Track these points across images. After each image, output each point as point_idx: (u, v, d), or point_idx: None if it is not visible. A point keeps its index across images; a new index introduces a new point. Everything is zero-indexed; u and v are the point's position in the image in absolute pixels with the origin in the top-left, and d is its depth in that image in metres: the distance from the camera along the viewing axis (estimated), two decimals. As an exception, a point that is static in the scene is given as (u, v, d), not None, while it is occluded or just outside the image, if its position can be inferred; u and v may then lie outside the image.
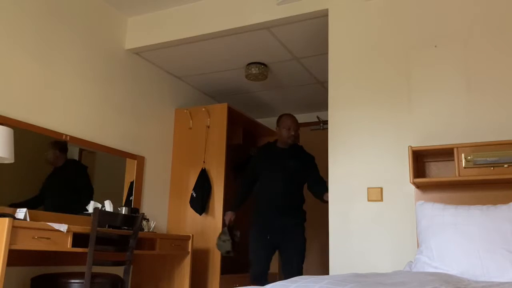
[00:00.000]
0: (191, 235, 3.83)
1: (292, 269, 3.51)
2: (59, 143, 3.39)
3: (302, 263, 3.59)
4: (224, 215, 4.00)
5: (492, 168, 2.48)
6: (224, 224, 3.94)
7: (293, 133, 3.78)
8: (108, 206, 3.35)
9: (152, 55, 4.26)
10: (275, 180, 3.71)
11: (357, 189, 2.98)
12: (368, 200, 2.93)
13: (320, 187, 3.61)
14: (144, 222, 3.67)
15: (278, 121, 3.85)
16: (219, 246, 3.76)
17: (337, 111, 3.16)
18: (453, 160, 2.65)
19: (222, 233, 3.78)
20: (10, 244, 2.34)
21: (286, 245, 3.59)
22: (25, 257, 3.02)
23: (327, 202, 3.29)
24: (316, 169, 3.84)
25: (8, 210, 2.89)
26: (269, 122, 5.65)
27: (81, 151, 3.60)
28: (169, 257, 3.87)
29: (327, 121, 3.33)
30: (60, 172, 3.41)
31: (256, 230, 3.71)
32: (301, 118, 5.87)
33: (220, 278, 4.06)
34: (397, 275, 1.91)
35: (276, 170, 3.73)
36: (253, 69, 4.38)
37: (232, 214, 3.84)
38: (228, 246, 3.70)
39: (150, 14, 4.08)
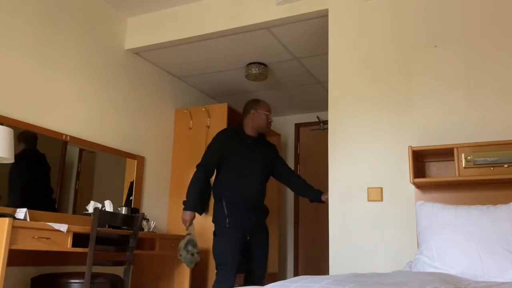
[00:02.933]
0: (191, 235, 3.83)
1: (263, 269, 3.37)
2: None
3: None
4: (183, 215, 3.20)
5: (492, 168, 2.48)
6: (186, 226, 3.24)
7: (271, 120, 3.45)
8: (108, 206, 3.35)
9: (152, 55, 4.27)
10: (252, 174, 3.31)
11: (357, 189, 2.98)
12: (368, 200, 2.93)
13: (312, 190, 3.43)
14: (144, 222, 3.67)
15: (253, 104, 3.43)
16: (185, 260, 3.18)
17: (337, 111, 3.16)
18: (453, 160, 2.65)
19: (189, 243, 3.18)
20: (10, 244, 2.34)
21: (258, 245, 3.35)
22: (25, 257, 3.02)
23: (325, 202, 3.27)
24: (285, 163, 3.58)
25: (8, 210, 2.89)
26: (269, 122, 5.65)
27: (81, 151, 3.60)
28: (169, 257, 3.87)
29: (327, 121, 3.33)
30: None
31: (232, 230, 3.22)
32: (301, 118, 5.89)
33: (220, 278, 4.04)
34: (397, 275, 1.91)
35: (253, 163, 3.34)
36: (253, 69, 4.38)
37: (193, 215, 3.20)
38: (197, 258, 3.19)
39: (150, 14, 4.09)
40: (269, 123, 3.44)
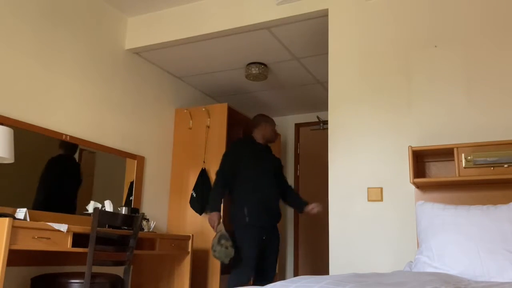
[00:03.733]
0: (191, 235, 3.83)
1: (273, 270, 3.63)
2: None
3: None
4: (211, 216, 3.45)
5: (492, 168, 2.48)
6: (213, 227, 3.45)
7: (277, 133, 3.90)
8: (108, 206, 3.35)
9: (152, 55, 4.27)
10: (267, 179, 3.59)
11: (357, 189, 2.98)
12: (368, 200, 2.93)
13: (299, 199, 3.76)
14: (144, 222, 3.67)
15: (264, 118, 3.80)
16: (220, 254, 3.27)
17: (337, 111, 3.16)
18: (453, 160, 2.65)
19: (222, 237, 3.30)
20: (10, 244, 2.34)
21: (271, 246, 3.59)
22: (25, 257, 3.02)
23: (310, 212, 3.57)
24: (285, 177, 3.93)
25: (8, 210, 2.89)
26: (269, 122, 5.65)
27: (81, 151, 3.60)
28: (169, 257, 3.87)
29: (327, 121, 3.33)
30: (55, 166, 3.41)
31: (251, 231, 3.43)
32: (301, 118, 5.89)
33: (220, 278, 4.06)
34: (397, 275, 1.91)
35: (267, 168, 3.63)
36: (253, 69, 4.39)
37: (219, 215, 3.46)
38: (231, 252, 3.29)
39: (150, 14, 4.09)
40: (277, 135, 3.89)
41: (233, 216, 3.52)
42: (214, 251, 3.29)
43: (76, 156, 3.56)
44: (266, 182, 3.58)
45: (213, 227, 3.45)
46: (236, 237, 3.44)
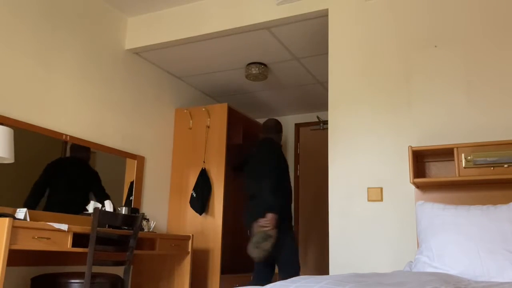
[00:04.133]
0: (191, 235, 3.83)
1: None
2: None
3: None
4: (272, 218, 3.46)
5: (492, 168, 2.48)
6: (268, 228, 3.49)
7: None
8: (108, 206, 3.35)
9: (152, 55, 4.27)
10: (290, 182, 3.80)
11: (357, 189, 2.98)
12: (368, 200, 2.93)
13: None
14: (144, 222, 3.67)
15: (279, 125, 3.94)
16: (260, 256, 3.42)
17: (337, 111, 3.16)
18: (453, 160, 2.65)
19: (271, 247, 3.44)
20: (10, 244, 2.34)
21: None
22: (25, 257, 3.02)
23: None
24: None
25: (8, 210, 2.89)
26: (269, 122, 5.64)
27: (81, 151, 3.60)
28: (169, 257, 3.88)
29: (327, 121, 3.33)
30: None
31: (292, 232, 3.65)
32: (301, 118, 5.89)
33: (220, 278, 4.06)
34: (397, 275, 1.91)
35: (288, 172, 3.83)
36: (253, 69, 4.38)
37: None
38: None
39: (150, 14, 4.09)
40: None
41: (281, 220, 3.55)
42: (264, 249, 3.37)
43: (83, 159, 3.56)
44: (290, 185, 3.76)
45: (266, 227, 3.43)
46: (290, 241, 3.53)
